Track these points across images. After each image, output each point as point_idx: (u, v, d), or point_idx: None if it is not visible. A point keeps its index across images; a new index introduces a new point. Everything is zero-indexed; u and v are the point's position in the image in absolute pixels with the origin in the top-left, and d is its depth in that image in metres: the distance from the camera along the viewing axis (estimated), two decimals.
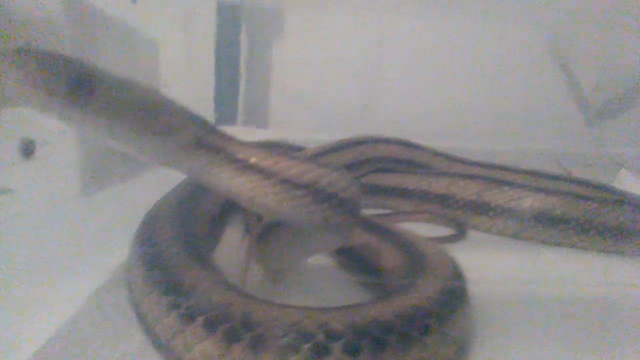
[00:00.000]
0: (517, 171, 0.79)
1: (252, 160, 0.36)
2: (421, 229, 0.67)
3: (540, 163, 1.12)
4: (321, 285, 0.48)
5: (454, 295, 0.34)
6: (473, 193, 0.66)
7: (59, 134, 0.53)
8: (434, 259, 0.38)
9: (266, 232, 0.46)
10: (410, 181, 0.74)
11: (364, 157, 0.76)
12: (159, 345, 0.32)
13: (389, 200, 0.75)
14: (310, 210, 0.37)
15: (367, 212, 0.70)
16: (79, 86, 0.31)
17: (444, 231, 0.65)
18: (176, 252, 0.37)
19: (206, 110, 1.37)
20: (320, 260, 0.51)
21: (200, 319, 0.30)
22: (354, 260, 0.48)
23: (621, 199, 0.65)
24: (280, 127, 1.50)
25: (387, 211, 0.72)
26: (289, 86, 1.51)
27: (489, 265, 0.56)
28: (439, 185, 0.71)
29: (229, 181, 0.36)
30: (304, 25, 1.46)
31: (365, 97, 1.47)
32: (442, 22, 1.42)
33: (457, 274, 0.37)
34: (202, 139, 0.35)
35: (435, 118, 1.46)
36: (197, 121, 0.36)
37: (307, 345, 0.27)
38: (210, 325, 0.29)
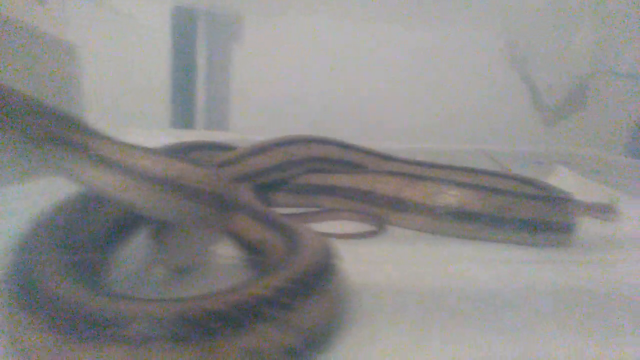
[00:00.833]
0: (446, 167, 0.80)
1: (117, 157, 0.36)
2: (342, 226, 0.67)
3: (493, 162, 1.13)
4: (225, 279, 0.48)
5: (307, 285, 0.34)
6: (393, 190, 0.67)
7: None
8: (305, 249, 0.39)
9: (159, 231, 0.46)
10: (337, 179, 0.74)
11: (294, 158, 0.76)
12: (11, 343, 0.32)
13: (317, 199, 0.75)
14: (178, 206, 0.37)
15: (291, 210, 0.71)
16: None
17: (365, 227, 0.66)
18: (46, 252, 0.37)
19: (162, 113, 1.37)
20: (228, 253, 0.51)
21: (43, 315, 0.30)
22: (249, 251, 0.48)
23: (536, 193, 0.66)
24: (240, 130, 1.51)
25: (313, 209, 0.73)
26: (248, 89, 1.52)
27: (394, 259, 0.56)
28: (363, 183, 0.71)
29: (94, 179, 0.37)
30: (263, 29, 1.47)
31: (322, 103, 1.48)
32: (395, 25, 1.43)
33: (323, 264, 0.37)
34: (62, 135, 0.35)
35: (390, 121, 1.48)
36: (56, 117, 0.36)
37: (131, 333, 0.28)
38: (53, 321, 0.29)
